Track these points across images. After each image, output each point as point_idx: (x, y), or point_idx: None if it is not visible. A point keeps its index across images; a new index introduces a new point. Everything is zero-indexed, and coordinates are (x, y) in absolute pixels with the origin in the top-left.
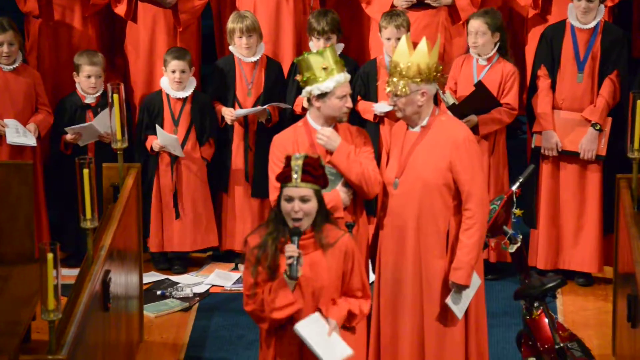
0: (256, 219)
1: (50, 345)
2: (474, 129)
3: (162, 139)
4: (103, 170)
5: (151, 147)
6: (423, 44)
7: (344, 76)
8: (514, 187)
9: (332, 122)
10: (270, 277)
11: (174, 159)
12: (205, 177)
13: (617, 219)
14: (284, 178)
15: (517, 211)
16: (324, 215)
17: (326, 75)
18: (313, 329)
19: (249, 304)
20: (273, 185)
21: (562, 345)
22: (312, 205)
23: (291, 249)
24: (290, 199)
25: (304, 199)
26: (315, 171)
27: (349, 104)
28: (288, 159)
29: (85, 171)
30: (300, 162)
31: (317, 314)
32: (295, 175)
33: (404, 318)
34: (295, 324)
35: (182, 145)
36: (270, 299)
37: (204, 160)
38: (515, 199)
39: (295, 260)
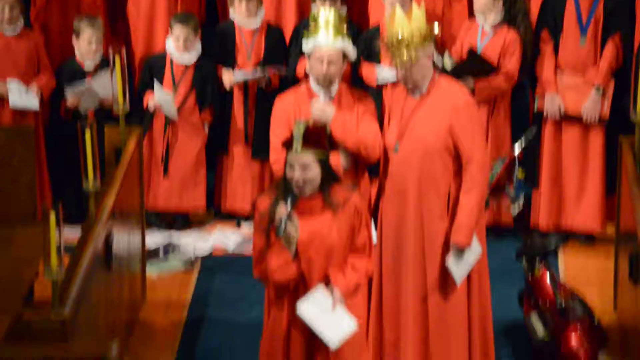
0: (256, 181)
1: (53, 303)
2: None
3: (158, 95)
4: (105, 132)
5: (147, 106)
6: (416, 9)
7: (326, 40)
8: (516, 150)
9: (325, 84)
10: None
11: (169, 119)
12: (202, 142)
13: (620, 179)
14: (288, 144)
15: (519, 173)
16: (330, 178)
17: (307, 35)
18: (316, 307)
19: (257, 268)
20: (274, 146)
21: (563, 303)
22: (314, 172)
23: (280, 208)
24: (292, 166)
25: (304, 166)
26: (317, 137)
27: (325, 69)
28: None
29: (87, 133)
30: (301, 128)
31: (320, 286)
32: (295, 142)
33: (407, 280)
34: (302, 286)
35: (179, 108)
36: (269, 261)
37: (204, 125)
38: (517, 162)
39: (284, 220)
